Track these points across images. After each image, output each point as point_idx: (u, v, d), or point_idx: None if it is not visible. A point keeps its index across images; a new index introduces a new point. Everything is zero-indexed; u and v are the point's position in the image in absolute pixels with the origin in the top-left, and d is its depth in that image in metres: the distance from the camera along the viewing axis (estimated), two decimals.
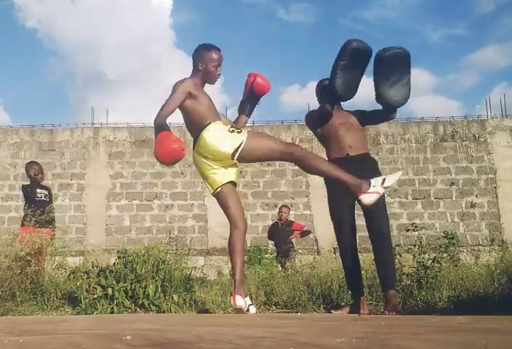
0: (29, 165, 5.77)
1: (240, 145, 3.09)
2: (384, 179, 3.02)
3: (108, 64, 38.45)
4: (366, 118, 3.53)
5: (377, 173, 3.39)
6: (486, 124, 11.33)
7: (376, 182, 3.01)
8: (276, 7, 38.08)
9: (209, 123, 3.19)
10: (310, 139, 11.16)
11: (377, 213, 3.28)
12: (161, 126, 3.09)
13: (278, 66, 35.91)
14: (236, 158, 3.13)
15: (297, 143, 11.24)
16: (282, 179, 11.11)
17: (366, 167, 3.36)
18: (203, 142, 3.15)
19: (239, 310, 2.99)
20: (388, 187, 3.01)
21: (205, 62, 3.31)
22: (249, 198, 11.01)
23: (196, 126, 3.22)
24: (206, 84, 3.38)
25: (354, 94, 3.43)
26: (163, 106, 3.13)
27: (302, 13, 37.97)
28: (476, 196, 10.93)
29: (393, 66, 3.24)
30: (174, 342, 1.56)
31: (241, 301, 3.02)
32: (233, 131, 3.15)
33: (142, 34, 35.76)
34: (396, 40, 37.06)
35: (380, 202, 3.30)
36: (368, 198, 2.97)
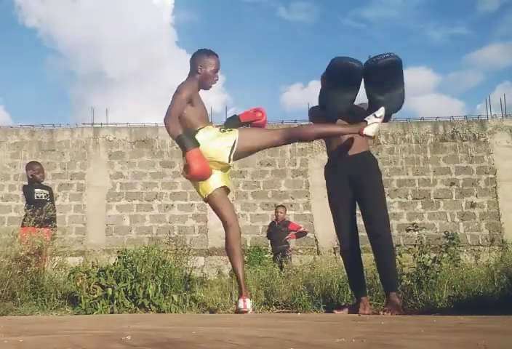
0: (29, 165, 5.76)
1: (234, 144, 3.16)
2: (374, 114, 3.21)
3: (109, 63, 38.50)
4: (363, 115, 3.50)
5: (376, 171, 3.39)
6: (486, 124, 11.33)
7: (369, 118, 3.20)
8: (277, 6, 38.14)
9: (200, 129, 3.23)
10: None
11: (374, 214, 3.24)
12: (185, 138, 3.09)
13: (279, 65, 35.96)
14: (231, 157, 3.17)
15: (296, 144, 11.24)
16: (282, 179, 11.11)
17: (365, 166, 3.34)
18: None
19: (246, 313, 3.02)
20: (381, 115, 3.21)
21: (205, 66, 3.33)
22: (249, 198, 11.01)
23: (187, 131, 3.21)
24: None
25: (344, 111, 3.38)
26: (170, 109, 3.12)
27: (303, 12, 38.03)
28: (476, 196, 10.93)
29: (386, 74, 3.20)
30: (174, 342, 1.56)
31: (250, 304, 3.09)
32: (224, 131, 3.22)
33: (143, 33, 35.79)
34: (396, 39, 36.97)
35: (378, 202, 3.29)
36: (371, 129, 3.16)
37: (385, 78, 3.22)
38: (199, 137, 3.17)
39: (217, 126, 3.37)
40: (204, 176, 3.15)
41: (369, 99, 3.34)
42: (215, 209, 3.29)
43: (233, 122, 3.41)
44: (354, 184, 3.30)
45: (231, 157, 3.17)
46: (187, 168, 3.08)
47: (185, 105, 3.19)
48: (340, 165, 3.38)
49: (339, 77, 3.25)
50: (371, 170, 3.36)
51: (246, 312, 3.05)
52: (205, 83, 3.36)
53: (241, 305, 3.08)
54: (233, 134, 3.20)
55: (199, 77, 3.32)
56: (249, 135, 3.27)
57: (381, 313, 3.03)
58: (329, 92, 3.32)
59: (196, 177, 3.13)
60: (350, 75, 3.23)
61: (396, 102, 3.30)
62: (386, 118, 3.41)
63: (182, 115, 3.21)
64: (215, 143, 3.18)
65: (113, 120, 17.76)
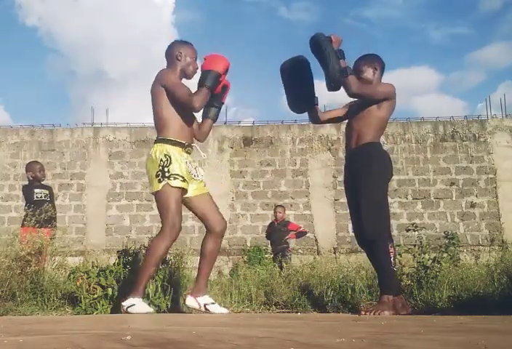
0: (28, 165, 5.76)
1: (153, 193, 3.14)
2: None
3: (109, 63, 38.52)
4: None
5: (373, 169, 3.17)
6: (486, 124, 11.33)
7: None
8: (278, 5, 38.18)
9: (160, 141, 3.15)
10: (310, 139, 11.17)
11: (366, 216, 3.09)
12: (206, 91, 3.13)
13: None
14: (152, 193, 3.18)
15: (296, 144, 11.25)
16: (282, 179, 11.10)
17: (363, 161, 3.21)
18: (147, 159, 3.22)
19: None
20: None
21: (184, 53, 3.25)
22: (249, 198, 11.01)
23: (159, 126, 3.19)
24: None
25: (312, 102, 3.47)
26: (181, 97, 3.09)
27: (304, 11, 38.05)
28: (476, 196, 10.93)
29: (316, 53, 3.27)
30: (174, 342, 1.56)
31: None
32: (158, 175, 3.08)
33: (143, 32, 35.82)
34: (397, 39, 37.05)
35: (370, 204, 3.12)
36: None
37: (318, 56, 3.27)
38: (151, 159, 3.14)
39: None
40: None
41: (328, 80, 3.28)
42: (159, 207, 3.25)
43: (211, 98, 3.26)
44: (353, 179, 3.23)
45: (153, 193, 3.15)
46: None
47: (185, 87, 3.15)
48: (346, 157, 3.39)
49: (290, 73, 3.46)
50: (368, 167, 3.17)
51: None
52: (187, 71, 3.26)
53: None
54: (159, 185, 3.08)
55: (180, 64, 3.24)
56: (163, 198, 3.12)
57: (362, 312, 2.99)
58: (288, 91, 3.49)
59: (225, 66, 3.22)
60: (297, 68, 3.45)
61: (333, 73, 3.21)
62: (332, 86, 3.27)
63: (161, 108, 3.14)
64: (151, 176, 3.14)
65: (113, 120, 17.78)
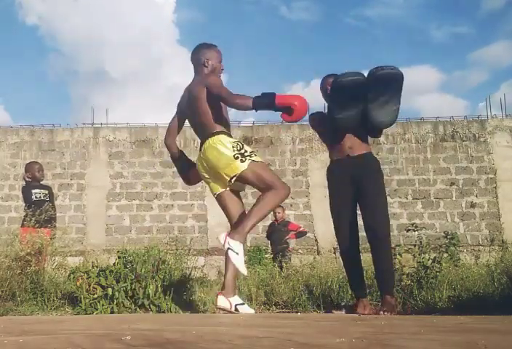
0: (27, 165, 5.75)
1: (237, 174, 3.08)
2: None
3: (110, 62, 38.50)
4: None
5: (378, 173, 3.35)
6: (486, 124, 11.33)
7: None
8: (279, 5, 38.20)
9: (218, 134, 3.17)
10: (310, 139, 11.16)
11: (375, 216, 3.20)
12: (259, 98, 3.05)
13: (281, 64, 35.97)
14: (231, 183, 3.14)
15: (296, 144, 11.25)
16: (282, 179, 11.08)
17: (368, 167, 3.32)
18: (208, 152, 3.15)
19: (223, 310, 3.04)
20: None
21: (210, 58, 3.30)
22: (249, 198, 10.96)
23: (205, 127, 3.20)
24: None
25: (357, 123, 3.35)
26: (226, 97, 3.09)
27: (305, 11, 38.08)
28: (476, 196, 10.93)
29: (385, 86, 3.16)
30: (174, 342, 1.56)
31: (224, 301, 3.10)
32: (237, 157, 3.08)
33: (145, 31, 35.82)
34: (398, 38, 37.05)
35: (379, 205, 3.24)
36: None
37: (384, 90, 3.17)
38: (212, 148, 3.13)
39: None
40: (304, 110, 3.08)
41: (363, 112, 3.25)
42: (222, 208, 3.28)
43: (266, 101, 3.11)
44: (356, 185, 3.28)
45: (232, 181, 3.10)
46: (289, 111, 3.02)
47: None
48: (342, 165, 3.38)
49: (348, 95, 3.19)
50: (373, 172, 3.33)
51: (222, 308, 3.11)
52: (214, 73, 3.31)
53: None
54: (244, 164, 3.07)
55: (207, 70, 3.29)
56: (258, 170, 3.11)
57: (381, 312, 3.03)
58: (339, 108, 3.28)
59: (301, 113, 3.04)
60: (357, 90, 3.18)
61: (389, 117, 3.25)
62: (377, 134, 3.44)
63: (207, 109, 3.17)
64: (222, 164, 3.10)
65: (113, 120, 17.77)
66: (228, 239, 2.93)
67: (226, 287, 3.14)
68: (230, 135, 3.23)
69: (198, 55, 3.33)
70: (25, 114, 37.16)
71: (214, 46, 3.37)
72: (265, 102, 3.04)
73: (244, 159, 3.07)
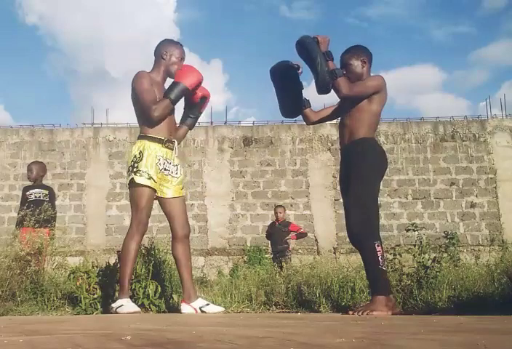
0: (28, 166, 5.75)
1: (128, 186, 3.25)
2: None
3: (110, 61, 38.53)
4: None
5: (365, 164, 3.08)
6: (486, 124, 11.34)
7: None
8: (279, 4, 38.20)
9: (143, 137, 3.31)
10: (310, 139, 11.17)
11: (349, 213, 3.07)
12: (167, 102, 3.20)
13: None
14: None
15: (296, 144, 11.25)
16: (282, 179, 11.10)
17: (356, 156, 3.13)
18: (134, 150, 3.29)
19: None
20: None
21: (170, 52, 3.33)
22: (249, 198, 11.00)
23: (140, 123, 3.37)
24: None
25: (300, 106, 3.42)
26: (143, 99, 3.20)
27: (305, 10, 38.07)
28: (476, 196, 10.93)
29: (303, 56, 3.18)
30: (174, 342, 1.56)
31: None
32: (129, 169, 3.22)
33: (145, 30, 35.82)
34: (399, 37, 37.06)
35: (356, 201, 3.05)
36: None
37: (305, 60, 3.18)
38: (135, 149, 3.29)
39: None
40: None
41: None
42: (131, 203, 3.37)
43: (175, 90, 3.26)
44: (347, 177, 3.16)
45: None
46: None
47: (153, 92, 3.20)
48: (341, 153, 3.33)
49: (278, 79, 3.41)
50: (358, 163, 3.08)
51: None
52: (170, 70, 3.33)
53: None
54: (133, 178, 3.21)
55: (164, 63, 3.32)
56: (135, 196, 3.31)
57: (350, 312, 2.95)
58: (280, 97, 3.43)
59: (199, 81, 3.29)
60: (281, 74, 3.38)
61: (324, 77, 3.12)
62: (323, 90, 3.19)
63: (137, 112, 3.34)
64: (130, 163, 3.26)
65: (113, 120, 17.77)
66: (113, 305, 3.14)
67: (186, 294, 3.22)
68: (155, 140, 3.29)
69: (159, 48, 3.37)
70: (25, 114, 37.20)
71: (178, 43, 3.41)
72: (177, 92, 3.20)
73: (130, 174, 3.19)
